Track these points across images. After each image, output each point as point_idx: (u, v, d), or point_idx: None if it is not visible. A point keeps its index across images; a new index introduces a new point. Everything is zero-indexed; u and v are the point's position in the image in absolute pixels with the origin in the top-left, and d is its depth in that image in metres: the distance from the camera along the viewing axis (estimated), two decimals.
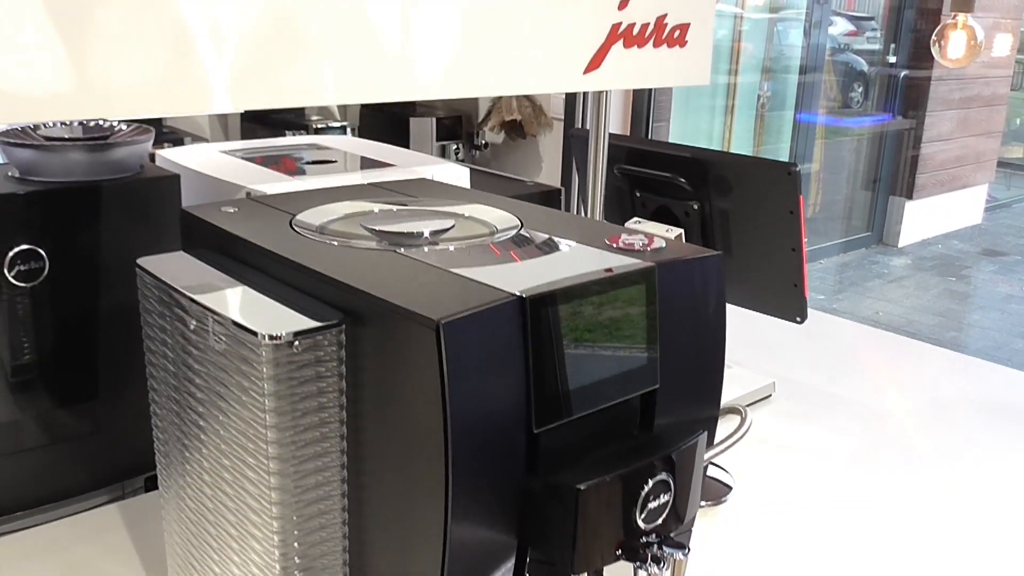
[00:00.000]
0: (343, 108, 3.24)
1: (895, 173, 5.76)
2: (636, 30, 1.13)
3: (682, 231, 1.27)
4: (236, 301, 0.60)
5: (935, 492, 1.12)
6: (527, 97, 3.13)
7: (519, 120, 3.10)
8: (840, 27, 6.09)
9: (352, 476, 0.62)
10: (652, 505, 0.58)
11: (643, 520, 0.58)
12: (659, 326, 0.63)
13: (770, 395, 1.38)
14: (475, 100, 3.30)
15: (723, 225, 1.28)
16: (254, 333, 0.55)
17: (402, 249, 0.66)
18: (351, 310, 0.58)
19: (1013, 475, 1.17)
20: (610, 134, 1.26)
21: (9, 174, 0.92)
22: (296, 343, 0.55)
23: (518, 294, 0.56)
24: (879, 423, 1.31)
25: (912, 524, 1.05)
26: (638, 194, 1.34)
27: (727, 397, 1.28)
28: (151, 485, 1.01)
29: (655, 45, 1.17)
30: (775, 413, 1.34)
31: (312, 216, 0.73)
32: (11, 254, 0.86)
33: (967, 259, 5.92)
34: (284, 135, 2.73)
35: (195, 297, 0.61)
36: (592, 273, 0.60)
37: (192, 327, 0.62)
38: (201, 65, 0.78)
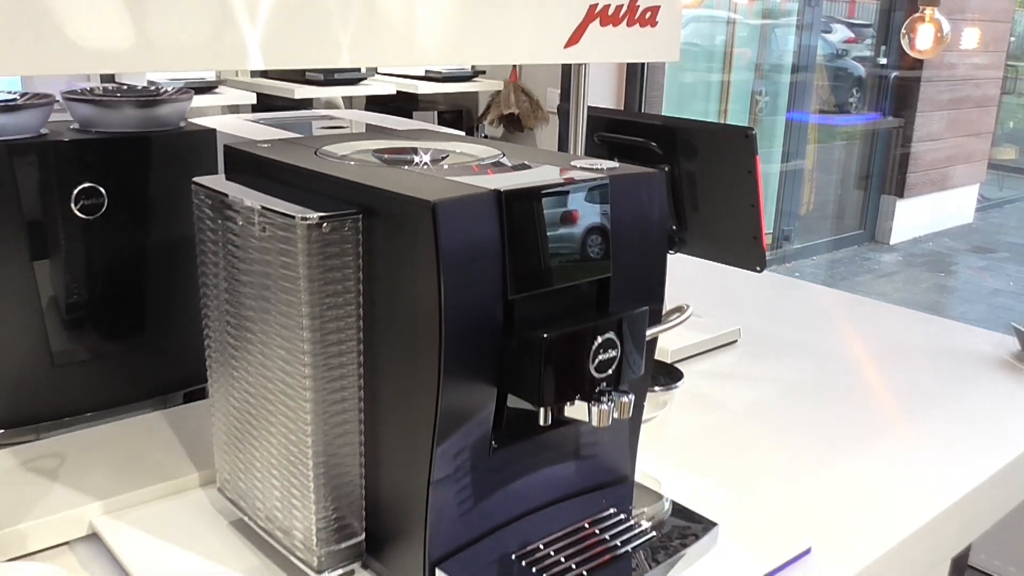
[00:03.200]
0: (348, 101, 3.41)
1: (885, 172, 5.91)
2: (611, 11, 1.29)
3: None
4: (274, 200, 0.76)
5: (877, 415, 1.28)
6: (525, 92, 3.30)
7: (517, 114, 3.27)
8: (840, 34, 6.25)
9: (367, 347, 0.78)
10: (602, 357, 0.74)
11: (595, 369, 0.74)
12: (610, 227, 0.79)
13: (736, 340, 1.54)
14: (475, 95, 3.47)
15: (691, 185, 1.45)
16: (292, 217, 0.72)
17: (406, 167, 0.82)
18: (366, 205, 0.74)
19: (947, 404, 1.33)
20: (590, 106, 1.42)
21: (72, 127, 1.09)
22: (324, 225, 0.71)
23: (497, 189, 0.72)
24: (833, 363, 1.47)
25: (849, 439, 1.21)
26: (615, 160, 1.50)
27: (696, 340, 1.45)
28: (188, 399, 1.17)
29: (628, 24, 1.33)
30: (739, 355, 1.50)
31: (333, 148, 0.90)
32: (76, 191, 1.03)
33: (956, 256, 6.06)
34: None
35: (242, 199, 0.77)
36: (557, 181, 0.77)
37: (240, 224, 0.78)
38: (239, 28, 0.94)
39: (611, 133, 1.46)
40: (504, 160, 0.87)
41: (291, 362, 0.76)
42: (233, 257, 0.82)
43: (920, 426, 1.24)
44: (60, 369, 1.06)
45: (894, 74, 5.71)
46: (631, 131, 1.44)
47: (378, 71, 3.44)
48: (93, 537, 0.92)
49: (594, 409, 0.75)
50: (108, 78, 2.83)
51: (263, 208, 0.74)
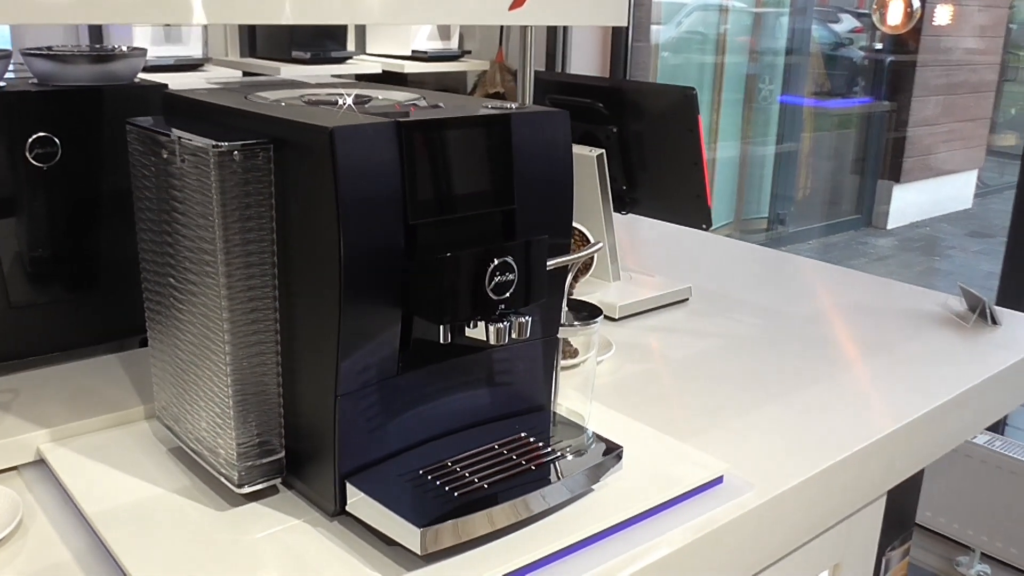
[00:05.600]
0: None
1: (881, 156, 5.93)
2: None
3: (603, 151, 1.48)
4: (196, 134, 0.81)
5: (813, 365, 1.33)
6: (510, 71, 3.35)
7: (503, 92, 3.31)
8: (847, 24, 6.26)
9: (282, 272, 0.83)
10: (499, 279, 0.79)
11: (492, 291, 0.79)
12: (514, 160, 0.84)
13: (687, 299, 1.58)
14: (463, 74, 3.51)
15: (638, 146, 1.49)
16: (205, 147, 0.77)
17: (325, 107, 0.87)
18: (277, 136, 0.79)
19: (881, 355, 1.37)
20: (538, 70, 1.47)
21: (31, 81, 1.14)
22: (235, 153, 0.77)
23: (396, 120, 0.77)
24: (781, 320, 1.51)
25: (782, 386, 1.26)
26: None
27: (645, 296, 1.49)
28: (144, 344, 1.22)
29: None
30: (688, 312, 1.55)
31: (265, 93, 0.95)
32: (30, 139, 1.08)
33: (952, 240, 6.08)
34: None
35: (166, 131, 0.82)
36: (456, 116, 0.82)
37: (164, 158, 0.83)
38: None
39: (560, 95, 1.51)
40: (420, 102, 0.92)
41: (210, 286, 0.81)
42: (163, 192, 0.87)
43: (851, 374, 1.29)
44: (17, 311, 1.12)
45: (889, 59, 5.73)
46: (579, 93, 1.49)
47: (366, 51, 3.49)
48: (40, 463, 0.98)
49: (491, 328, 0.80)
50: (96, 37, 2.88)
51: (181, 139, 0.80)
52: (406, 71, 3.23)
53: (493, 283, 0.79)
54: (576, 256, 0.89)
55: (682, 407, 1.17)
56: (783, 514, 0.99)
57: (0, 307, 1.11)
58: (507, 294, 0.81)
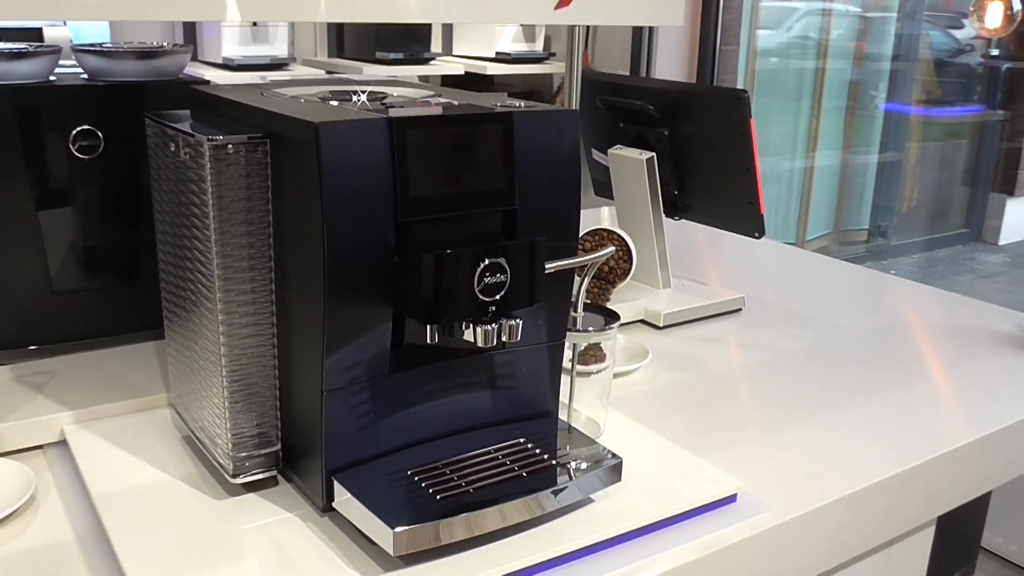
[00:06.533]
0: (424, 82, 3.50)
1: (993, 168, 5.65)
2: None
3: (654, 155, 1.44)
4: (199, 127, 0.83)
5: (862, 383, 1.27)
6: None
7: None
8: (968, 31, 6.01)
9: (277, 266, 0.83)
10: (488, 280, 0.78)
11: (481, 292, 0.78)
12: (517, 160, 0.82)
13: (740, 308, 1.53)
14: (549, 77, 3.50)
15: (689, 150, 1.45)
16: (203, 140, 0.78)
17: (334, 103, 0.87)
18: (274, 131, 0.80)
19: (940, 376, 1.30)
20: (592, 70, 1.45)
21: (82, 76, 1.19)
22: (229, 146, 0.77)
23: (388, 116, 0.76)
24: (836, 334, 1.45)
25: (824, 403, 1.20)
26: (621, 124, 1.52)
27: (692, 305, 1.45)
28: None
29: None
30: (740, 323, 1.50)
31: (283, 90, 0.95)
32: (74, 132, 1.12)
33: None
34: None
35: (172, 124, 0.84)
36: (452, 114, 0.80)
37: (172, 149, 0.85)
38: None
39: (612, 97, 1.48)
40: (433, 99, 0.91)
41: (207, 276, 0.82)
42: (172, 184, 0.88)
43: (900, 394, 1.22)
44: (59, 298, 1.16)
45: (1006, 66, 5.45)
46: (631, 95, 1.46)
47: (452, 53, 3.51)
48: (64, 443, 1.01)
49: (479, 330, 0.78)
50: (190, 36, 2.99)
51: (182, 132, 0.81)
52: (489, 72, 3.24)
53: (482, 284, 0.78)
54: (577, 261, 0.86)
55: (709, 420, 1.13)
56: (800, 539, 0.94)
57: (43, 293, 1.15)
58: (498, 296, 0.79)
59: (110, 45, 1.21)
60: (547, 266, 0.84)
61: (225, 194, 0.79)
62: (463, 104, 0.88)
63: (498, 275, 0.78)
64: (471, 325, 0.79)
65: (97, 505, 0.86)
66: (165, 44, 1.24)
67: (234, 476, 0.86)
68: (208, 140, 0.77)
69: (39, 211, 1.13)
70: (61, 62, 1.18)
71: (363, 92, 0.94)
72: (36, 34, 2.46)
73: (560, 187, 0.86)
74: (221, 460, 0.87)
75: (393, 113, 0.77)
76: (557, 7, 1.30)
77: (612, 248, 0.91)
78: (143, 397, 1.06)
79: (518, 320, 0.80)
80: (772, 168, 4.84)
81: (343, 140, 0.74)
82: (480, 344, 0.79)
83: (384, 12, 1.18)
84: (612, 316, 1.01)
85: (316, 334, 0.78)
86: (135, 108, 1.16)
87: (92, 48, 1.17)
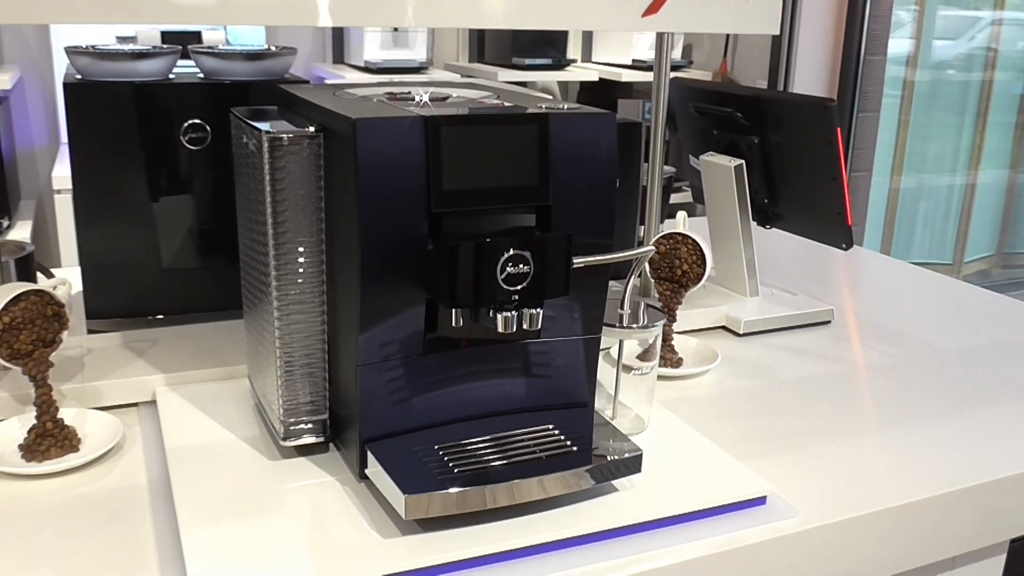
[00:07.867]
0: (563, 92, 3.56)
1: None
2: None
3: (743, 162, 1.45)
4: (266, 122, 0.91)
5: (937, 401, 1.24)
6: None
7: None
8: None
9: (328, 250, 0.91)
10: (511, 270, 0.83)
11: (503, 281, 0.83)
12: (552, 159, 0.87)
13: (829, 321, 1.51)
14: None
15: (778, 158, 1.44)
16: (261, 133, 0.86)
17: (392, 102, 0.94)
18: (327, 126, 0.87)
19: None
20: (683, 78, 1.46)
21: (198, 76, 1.31)
22: (285, 139, 0.85)
23: (424, 115, 0.82)
24: (924, 351, 1.41)
25: (887, 420, 1.18)
26: (715, 132, 1.53)
27: (776, 314, 1.45)
28: None
29: None
30: (825, 335, 1.47)
31: (353, 90, 1.03)
32: (185, 124, 1.24)
33: None
34: None
35: (243, 117, 0.93)
36: (487, 114, 0.86)
37: (244, 141, 0.94)
38: None
39: (704, 103, 1.49)
40: (488, 100, 0.97)
41: (265, 254, 0.91)
42: (244, 174, 0.98)
43: (970, 416, 1.18)
44: (167, 275, 1.29)
45: None
46: (722, 102, 1.47)
47: (591, 60, 3.56)
48: (155, 403, 1.12)
49: (499, 316, 0.83)
50: (338, 40, 3.17)
51: (251, 126, 0.90)
52: (624, 79, 3.27)
53: (505, 273, 0.83)
54: (608, 258, 0.90)
55: (763, 428, 1.13)
56: (826, 548, 0.94)
57: (153, 271, 1.28)
58: (521, 286, 0.84)
59: (224, 47, 1.33)
60: (576, 261, 0.88)
61: (281, 183, 0.87)
62: (510, 106, 0.93)
63: (521, 266, 0.83)
64: (494, 312, 0.84)
65: (168, 457, 0.97)
66: (273, 47, 1.35)
67: (284, 439, 0.94)
68: (266, 133, 0.85)
69: (152, 196, 1.25)
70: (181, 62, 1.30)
71: (425, 92, 1.01)
72: (196, 37, 2.68)
73: (596, 186, 0.90)
74: (275, 424, 0.96)
75: (428, 112, 0.83)
76: (645, 14, 1.33)
77: (651, 248, 0.93)
78: (227, 367, 1.16)
79: (539, 309, 0.84)
80: (926, 184, 4.63)
81: (379, 135, 0.80)
82: (500, 330, 0.84)
83: (468, 19, 1.24)
84: (660, 316, 1.03)
85: (354, 313, 0.85)
86: (239, 104, 1.27)
87: (208, 50, 1.29)
